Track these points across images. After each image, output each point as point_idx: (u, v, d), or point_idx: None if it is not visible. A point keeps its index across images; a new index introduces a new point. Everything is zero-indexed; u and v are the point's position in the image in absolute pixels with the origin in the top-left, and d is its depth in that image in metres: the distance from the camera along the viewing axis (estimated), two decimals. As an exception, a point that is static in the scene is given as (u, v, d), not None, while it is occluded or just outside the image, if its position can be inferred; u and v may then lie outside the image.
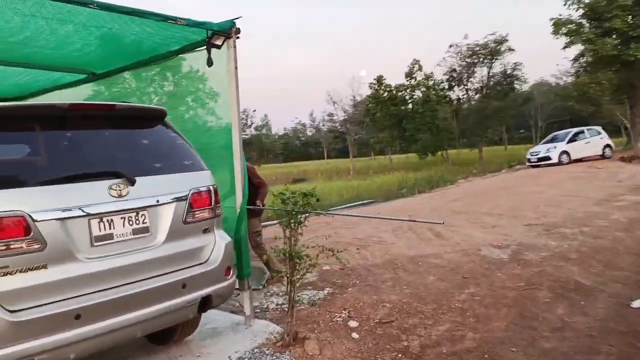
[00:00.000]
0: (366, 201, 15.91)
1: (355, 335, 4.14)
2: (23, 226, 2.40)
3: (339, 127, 52.63)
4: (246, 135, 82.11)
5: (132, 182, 2.81)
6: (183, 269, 3.05)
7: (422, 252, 6.92)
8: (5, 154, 2.53)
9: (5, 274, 2.36)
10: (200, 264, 3.19)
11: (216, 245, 3.33)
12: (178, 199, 3.07)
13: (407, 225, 8.73)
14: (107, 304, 2.62)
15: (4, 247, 2.35)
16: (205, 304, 3.15)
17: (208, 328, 4.22)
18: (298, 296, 5.19)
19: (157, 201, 2.94)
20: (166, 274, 2.94)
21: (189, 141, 3.49)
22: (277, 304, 5.05)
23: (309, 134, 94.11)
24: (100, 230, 2.67)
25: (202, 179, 3.31)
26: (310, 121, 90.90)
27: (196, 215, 3.19)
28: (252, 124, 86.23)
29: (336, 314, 4.63)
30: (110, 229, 2.72)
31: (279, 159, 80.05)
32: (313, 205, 4.08)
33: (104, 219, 2.70)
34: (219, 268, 3.27)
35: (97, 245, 2.66)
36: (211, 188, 3.34)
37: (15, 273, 2.39)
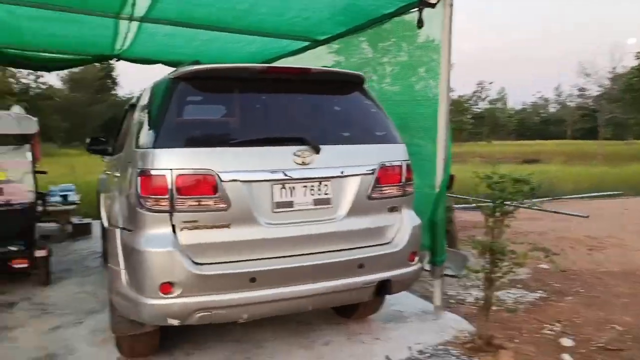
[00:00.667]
0: (609, 193, 13.45)
1: (566, 357, 3.39)
2: (212, 185, 2.47)
3: (590, 104, 45.90)
4: (479, 109, 78.46)
5: (317, 150, 2.68)
6: (362, 247, 2.83)
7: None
8: (202, 114, 2.63)
9: (194, 228, 2.48)
10: (382, 244, 2.93)
11: (402, 226, 3.01)
12: (365, 172, 2.83)
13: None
14: (282, 272, 2.57)
15: (195, 203, 2.46)
16: (384, 288, 2.90)
17: (394, 310, 3.99)
18: (501, 295, 4.57)
19: (342, 172, 2.76)
20: (344, 250, 2.76)
21: (385, 111, 3.21)
22: (476, 298, 4.51)
23: (552, 110, 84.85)
24: (281, 197, 2.62)
25: (394, 153, 3.00)
26: (555, 96, 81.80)
27: (383, 192, 2.91)
28: (486, 97, 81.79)
29: (546, 325, 3.89)
30: (291, 196, 2.64)
31: (512, 136, 74.41)
32: (524, 195, 3.42)
33: (286, 186, 2.63)
34: (402, 252, 2.96)
35: (278, 212, 2.61)
36: (403, 163, 3.01)
37: (202, 228, 2.49)
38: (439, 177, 3.77)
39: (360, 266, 2.78)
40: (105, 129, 45.04)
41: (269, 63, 6.94)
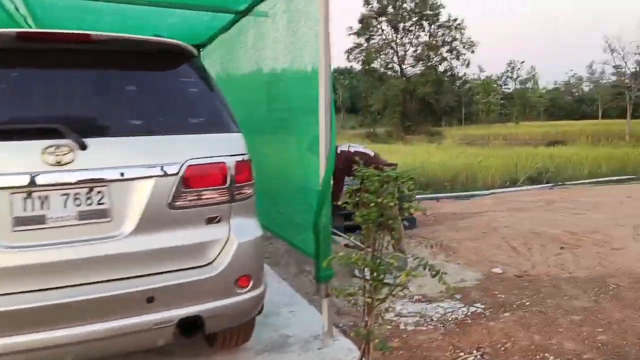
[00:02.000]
0: (619, 177, 12.29)
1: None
2: None
3: (626, 82, 43.48)
4: (508, 89, 75.76)
5: (82, 145, 2.00)
6: (157, 274, 2.16)
7: (665, 272, 4.54)
8: None
9: None
10: (193, 268, 2.25)
11: (229, 242, 2.32)
12: (161, 173, 2.15)
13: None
14: (26, 314, 1.93)
15: None
16: (193, 327, 2.22)
17: (280, 334, 3.32)
18: (428, 310, 3.84)
19: (122, 174, 2.08)
20: (125, 279, 2.09)
21: (221, 93, 2.50)
22: (394, 314, 3.79)
23: (586, 89, 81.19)
24: (25, 210, 1.97)
25: (214, 146, 2.31)
26: (588, 74, 78.08)
27: (194, 198, 2.23)
28: (517, 77, 78.82)
29: (461, 355, 3.15)
30: (41, 209, 1.99)
31: (543, 116, 71.55)
32: (409, 195, 2.68)
33: (34, 195, 1.98)
34: (223, 276, 2.28)
35: (21, 230, 1.96)
36: (229, 160, 2.31)
37: None
38: (322, 172, 3.05)
39: (149, 300, 2.11)
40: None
41: (197, 43, 6.29)
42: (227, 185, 2.31)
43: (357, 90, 61.43)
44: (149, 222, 2.15)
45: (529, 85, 79.10)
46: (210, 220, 2.30)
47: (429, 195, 9.91)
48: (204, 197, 2.26)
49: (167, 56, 2.42)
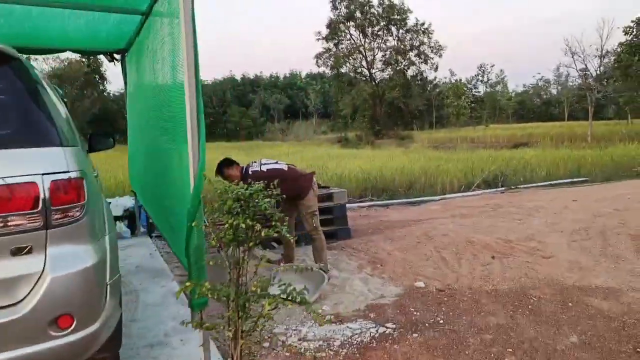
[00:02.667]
0: (572, 180, 12.29)
1: None
2: None
3: (589, 81, 44.20)
4: (478, 92, 76.69)
5: None
6: None
7: (592, 280, 4.35)
8: None
9: None
10: (-8, 308, 1.91)
11: (43, 276, 1.98)
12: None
13: (601, 229, 5.92)
14: None
15: None
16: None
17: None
18: (334, 332, 3.55)
19: None
20: None
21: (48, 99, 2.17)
22: (297, 338, 3.49)
23: (554, 91, 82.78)
24: None
25: (23, 162, 1.98)
26: (555, 76, 79.69)
27: (-9, 226, 1.90)
28: (488, 80, 79.93)
29: (352, 385, 2.87)
30: None
31: (512, 119, 72.64)
32: (259, 209, 2.39)
33: None
34: (33, 317, 1.94)
35: None
36: (41, 179, 1.97)
37: None
38: (191, 190, 2.73)
39: None
40: (91, 125, 44.48)
41: (117, 48, 5.94)
42: (39, 208, 1.97)
43: (329, 95, 61.36)
44: None
45: (499, 88, 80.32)
46: (18, 251, 1.96)
47: (378, 202, 9.69)
48: (8, 223, 1.92)
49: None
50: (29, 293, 1.97)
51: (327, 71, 47.69)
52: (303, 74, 75.78)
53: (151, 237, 7.04)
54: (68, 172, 2.09)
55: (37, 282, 1.98)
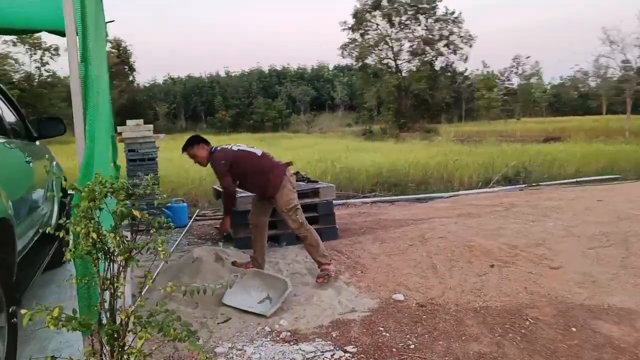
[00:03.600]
0: (602, 177, 11.32)
1: None
2: None
3: (630, 74, 42.04)
4: (511, 84, 74.38)
5: None
6: None
7: (605, 299, 3.65)
8: None
9: None
10: None
11: None
12: None
13: (624, 234, 5.15)
14: None
15: None
16: None
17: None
18: (285, 354, 2.99)
19: None
20: None
21: None
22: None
23: (592, 84, 79.55)
24: None
25: None
26: (593, 69, 76.51)
27: None
28: (522, 72, 77.42)
29: None
30: None
31: (546, 112, 70.16)
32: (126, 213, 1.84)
33: None
34: None
35: None
36: None
37: None
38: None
39: None
40: (119, 115, 45.00)
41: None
42: None
43: (355, 87, 60.46)
44: None
45: (533, 80, 77.71)
46: None
47: (384, 198, 9.05)
48: None
49: None
50: None
51: (352, 62, 46.80)
52: (331, 66, 74.81)
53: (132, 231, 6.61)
54: None
55: None
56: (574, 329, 3.22)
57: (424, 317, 3.47)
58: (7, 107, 3.77)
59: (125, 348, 1.85)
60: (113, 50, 50.94)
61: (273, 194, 4.22)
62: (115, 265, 1.88)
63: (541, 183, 10.31)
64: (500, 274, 4.20)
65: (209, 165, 4.40)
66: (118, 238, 1.81)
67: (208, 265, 4.20)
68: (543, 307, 3.56)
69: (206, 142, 4.42)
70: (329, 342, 3.16)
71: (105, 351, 1.86)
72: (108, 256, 1.84)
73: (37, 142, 4.11)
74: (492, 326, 3.28)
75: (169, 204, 7.14)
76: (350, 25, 44.13)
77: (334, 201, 8.50)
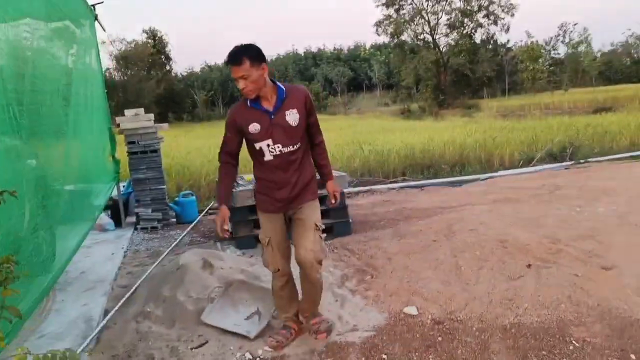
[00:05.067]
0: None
1: None
2: None
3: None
4: (558, 54, 70.59)
5: None
6: None
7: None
8: None
9: None
10: None
11: None
12: None
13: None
14: None
15: None
16: None
17: None
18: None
19: None
20: None
21: None
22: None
23: (648, 50, 74.33)
24: None
25: None
26: (649, 33, 71.33)
27: None
28: (570, 40, 73.26)
29: None
30: None
31: (596, 82, 66.23)
32: None
33: None
34: None
35: None
36: None
37: None
38: None
39: None
40: (158, 105, 45.40)
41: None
42: None
43: (392, 65, 58.84)
44: None
45: (582, 49, 73.47)
46: None
47: (412, 183, 8.30)
48: None
49: None
50: None
51: (388, 40, 45.35)
52: (367, 45, 73.10)
53: (136, 228, 6.22)
54: None
55: None
56: (633, 357, 2.49)
57: (439, 339, 2.82)
58: None
59: None
60: (149, 41, 51.49)
61: None
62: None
63: (590, 159, 9.27)
64: (539, 278, 3.46)
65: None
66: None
67: (192, 275, 3.66)
68: (592, 323, 2.83)
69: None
70: (317, 372, 2.56)
71: None
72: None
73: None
74: (525, 353, 2.59)
75: (176, 199, 6.70)
76: (384, 1, 42.67)
77: (355, 188, 7.92)
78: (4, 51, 2.44)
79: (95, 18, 5.74)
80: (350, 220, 5.09)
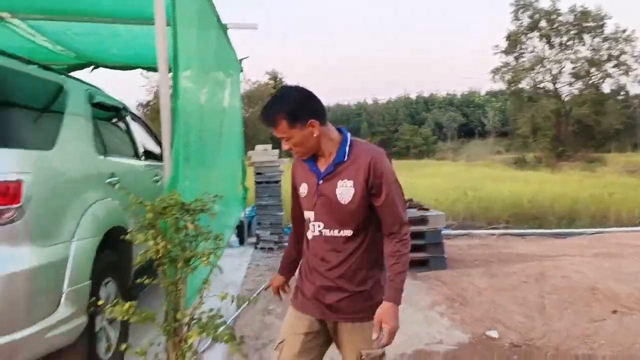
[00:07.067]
0: None
1: None
2: None
3: None
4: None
5: None
6: None
7: None
8: None
9: None
10: None
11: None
12: None
13: None
14: None
15: None
16: None
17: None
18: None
19: None
20: None
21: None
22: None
23: None
24: None
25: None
26: None
27: None
28: None
29: None
30: None
31: None
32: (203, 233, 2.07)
33: None
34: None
35: None
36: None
37: None
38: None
39: None
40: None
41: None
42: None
43: (508, 112, 57.29)
44: None
45: None
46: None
47: (513, 231, 8.45)
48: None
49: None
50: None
51: (504, 87, 44.46)
52: (482, 92, 72.13)
53: (256, 247, 7.16)
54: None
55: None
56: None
57: (515, 357, 3.23)
58: (144, 131, 4.47)
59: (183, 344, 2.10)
60: (269, 82, 55.79)
61: None
62: (178, 271, 2.14)
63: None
64: (620, 322, 3.70)
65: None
66: (176, 247, 2.07)
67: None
68: (663, 365, 3.06)
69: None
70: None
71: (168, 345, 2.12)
72: (172, 263, 2.12)
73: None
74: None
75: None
76: (503, 49, 42.23)
77: (454, 231, 8.27)
78: (191, 96, 3.39)
79: (241, 70, 6.94)
80: (446, 256, 5.55)
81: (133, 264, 3.36)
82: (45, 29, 4.93)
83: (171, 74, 2.52)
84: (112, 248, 2.91)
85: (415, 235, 5.39)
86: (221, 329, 2.02)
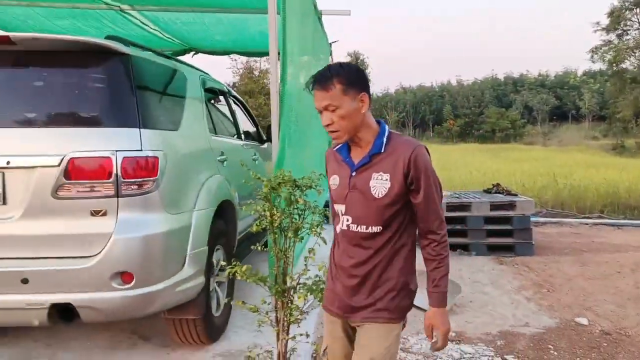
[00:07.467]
0: None
1: None
2: None
3: None
4: None
5: None
6: (34, 258, 2.36)
7: None
8: None
9: None
10: (70, 258, 2.38)
11: (112, 236, 2.38)
12: (46, 164, 2.35)
13: None
14: None
15: None
16: (65, 313, 2.37)
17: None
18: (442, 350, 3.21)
19: (8, 163, 2.35)
20: (6, 258, 2.36)
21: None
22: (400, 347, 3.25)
23: None
24: None
25: (101, 140, 2.41)
26: None
27: (76, 190, 2.37)
28: None
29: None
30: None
31: None
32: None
33: None
34: (98, 269, 2.35)
35: None
36: (115, 155, 2.38)
37: None
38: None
39: (24, 281, 2.32)
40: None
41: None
42: (111, 179, 2.37)
43: (607, 95, 53.13)
44: (35, 209, 2.37)
45: None
46: (95, 213, 2.40)
47: (609, 221, 8.04)
48: (86, 189, 2.37)
49: (85, 54, 2.59)
50: (97, 248, 2.39)
51: (603, 67, 41.21)
52: (579, 72, 67.06)
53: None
54: (141, 150, 2.45)
55: (107, 241, 2.39)
56: None
57: (604, 344, 3.22)
58: (245, 115, 4.82)
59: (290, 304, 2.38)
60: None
61: None
62: (287, 240, 2.41)
63: None
64: None
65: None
66: (287, 218, 2.33)
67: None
68: None
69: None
70: (490, 349, 3.22)
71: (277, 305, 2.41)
72: (282, 232, 2.38)
73: (265, 145, 5.03)
74: (687, 370, 2.88)
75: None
76: (604, 26, 39.09)
77: (543, 218, 8.03)
78: (293, 81, 3.63)
79: (330, 53, 7.15)
80: (533, 243, 5.47)
81: (236, 235, 3.72)
82: (157, 19, 5.41)
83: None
84: (221, 219, 3.27)
85: (503, 220, 5.38)
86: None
